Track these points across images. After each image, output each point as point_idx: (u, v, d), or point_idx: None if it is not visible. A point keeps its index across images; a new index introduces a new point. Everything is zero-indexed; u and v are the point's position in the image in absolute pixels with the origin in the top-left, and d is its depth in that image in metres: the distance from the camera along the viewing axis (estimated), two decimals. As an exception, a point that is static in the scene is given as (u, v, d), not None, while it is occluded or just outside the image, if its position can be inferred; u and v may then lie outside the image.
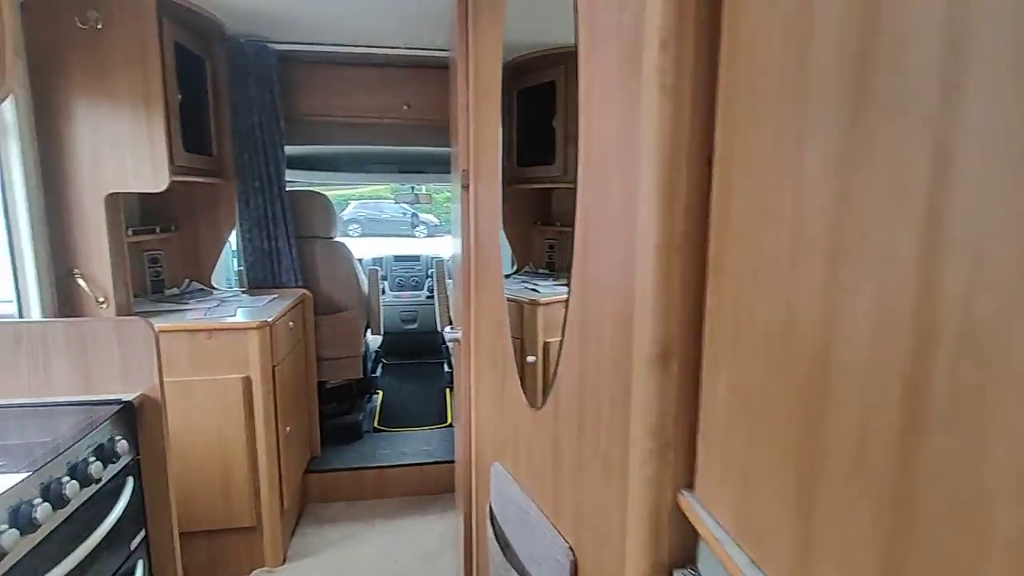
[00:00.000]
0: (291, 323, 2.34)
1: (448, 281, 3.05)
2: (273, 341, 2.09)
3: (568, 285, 0.84)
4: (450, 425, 3.13)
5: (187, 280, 2.52)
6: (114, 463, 1.10)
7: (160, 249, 2.43)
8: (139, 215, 2.42)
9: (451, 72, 2.11)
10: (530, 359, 1.27)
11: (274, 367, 2.11)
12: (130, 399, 1.20)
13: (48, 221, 1.83)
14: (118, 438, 1.11)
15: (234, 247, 3.04)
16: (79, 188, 1.85)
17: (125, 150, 1.87)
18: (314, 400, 2.68)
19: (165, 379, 1.99)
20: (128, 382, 1.23)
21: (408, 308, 4.21)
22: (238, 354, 2.01)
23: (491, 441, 1.41)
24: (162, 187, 1.90)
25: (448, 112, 2.59)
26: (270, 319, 2.05)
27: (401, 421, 3.19)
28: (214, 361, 2.00)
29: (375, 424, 3.14)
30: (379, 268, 3.07)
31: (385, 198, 17.13)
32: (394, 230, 15.69)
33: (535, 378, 1.26)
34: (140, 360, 1.23)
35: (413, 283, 4.35)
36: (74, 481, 0.95)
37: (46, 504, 0.88)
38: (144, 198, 2.42)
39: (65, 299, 1.89)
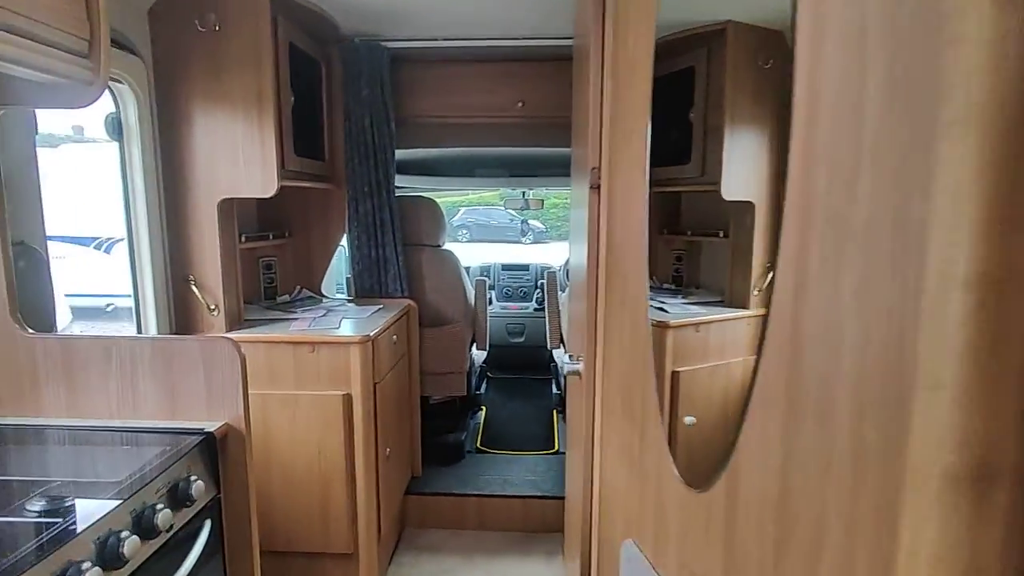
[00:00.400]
0: (395, 336, 2.20)
1: (561, 294, 2.78)
2: (375, 356, 1.95)
3: (764, 327, 0.55)
4: (557, 452, 2.85)
5: (298, 287, 2.48)
6: (188, 507, 0.96)
7: (274, 256, 2.42)
8: (256, 222, 2.42)
9: (577, 61, 1.85)
10: (688, 420, 0.96)
11: (376, 384, 1.97)
12: (212, 430, 1.06)
13: (166, 226, 1.83)
14: (194, 479, 0.96)
15: (345, 254, 3.01)
16: (195, 193, 1.83)
17: (238, 154, 1.82)
18: (416, 418, 2.53)
19: (270, 391, 1.94)
20: (212, 409, 1.10)
21: (515, 321, 4.00)
22: (339, 369, 1.89)
23: (621, 510, 1.11)
24: (271, 192, 1.83)
25: (567, 108, 2.34)
26: (372, 333, 1.91)
27: (505, 443, 2.96)
28: (316, 375, 1.90)
29: (478, 444, 2.95)
30: (487, 278, 2.87)
31: (493, 204, 17.41)
32: (502, 236, 15.83)
33: (688, 440, 0.95)
34: (225, 385, 1.10)
35: (521, 294, 4.14)
36: (134, 537, 0.80)
37: (96, 569, 0.73)
38: (261, 204, 2.42)
39: (180, 305, 1.88)
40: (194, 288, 1.86)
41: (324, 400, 1.89)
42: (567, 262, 4.16)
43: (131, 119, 1.67)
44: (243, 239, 2.06)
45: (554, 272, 2.88)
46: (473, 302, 2.76)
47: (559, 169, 3.29)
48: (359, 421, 1.92)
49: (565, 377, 2.65)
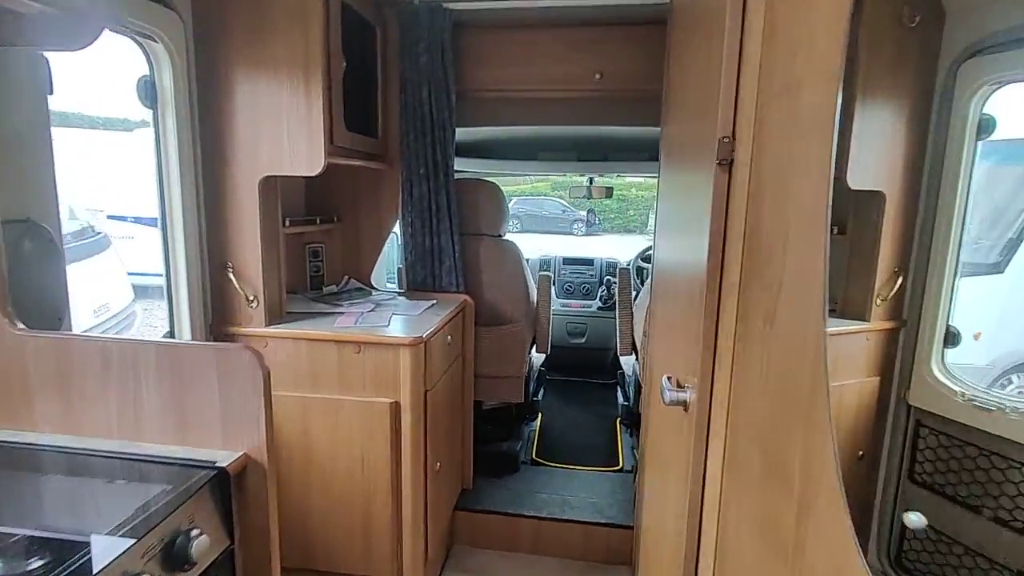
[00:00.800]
0: (449, 337, 1.95)
1: (636, 295, 2.47)
2: (428, 360, 1.71)
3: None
4: (622, 470, 2.55)
5: (346, 277, 2.28)
6: (186, 572, 0.73)
7: (321, 242, 2.21)
8: (304, 204, 2.23)
9: (678, 20, 1.53)
10: (913, 519, 0.65)
11: (426, 391, 1.73)
12: (226, 463, 0.84)
13: (203, 206, 1.64)
14: (196, 533, 0.74)
15: (398, 242, 2.79)
16: (234, 170, 1.63)
17: (282, 126, 1.60)
18: (469, 426, 2.29)
19: (311, 393, 1.74)
20: (228, 435, 0.88)
21: (577, 320, 3.68)
22: (387, 373, 1.66)
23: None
24: (317, 170, 1.61)
25: (654, 79, 2.01)
26: (425, 334, 1.67)
27: (564, 455, 2.69)
28: (362, 379, 1.67)
29: (533, 455, 2.68)
30: (549, 273, 2.57)
31: (545, 194, 17.06)
32: (553, 226, 15.49)
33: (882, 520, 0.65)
34: (245, 405, 0.87)
35: (584, 291, 3.81)
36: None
37: None
38: (309, 185, 2.22)
39: (217, 295, 1.70)
40: (231, 276, 1.66)
41: (369, 408, 1.67)
42: (638, 257, 3.79)
43: (166, 82, 1.48)
44: (287, 223, 1.85)
45: (626, 269, 2.55)
46: (535, 300, 2.49)
47: (634, 153, 2.95)
48: (407, 432, 1.69)
49: (638, 389, 2.34)
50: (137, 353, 0.89)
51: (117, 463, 0.85)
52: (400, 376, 1.65)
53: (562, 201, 16.49)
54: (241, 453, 0.87)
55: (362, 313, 1.88)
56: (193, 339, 1.60)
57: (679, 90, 1.41)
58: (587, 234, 15.86)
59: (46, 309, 1.09)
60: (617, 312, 2.46)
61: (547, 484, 2.40)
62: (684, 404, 1.08)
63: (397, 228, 2.26)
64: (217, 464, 0.83)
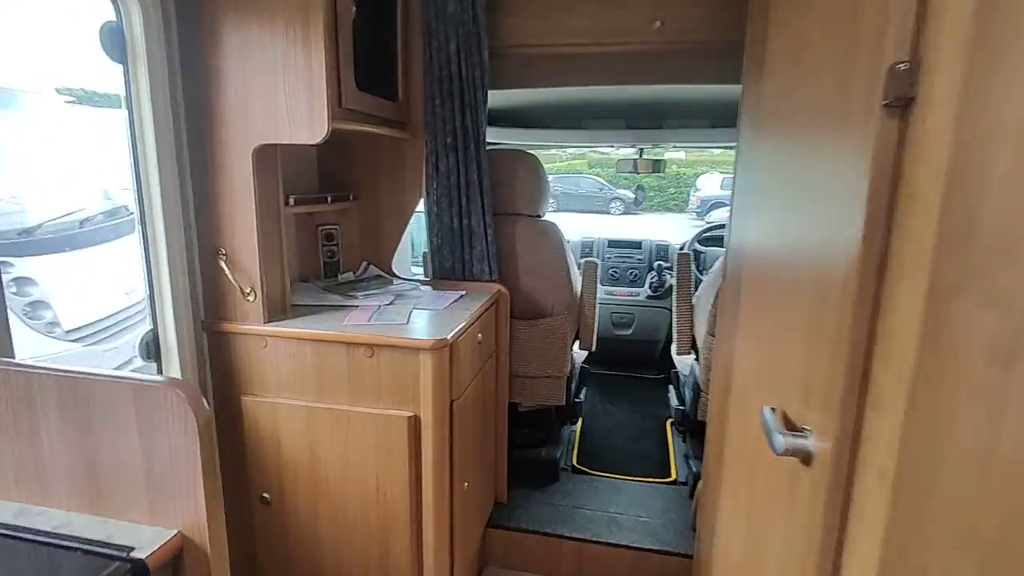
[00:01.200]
0: (480, 335, 1.67)
1: (701, 283, 2.12)
2: (454, 366, 1.44)
3: None
4: (675, 482, 2.25)
5: (364, 263, 2.01)
6: None
7: (336, 224, 1.95)
8: (316, 181, 1.96)
9: None
10: None
11: (452, 402, 1.46)
12: (148, 551, 0.58)
13: (189, 182, 1.39)
14: None
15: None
16: (223, 138, 1.37)
17: (278, 85, 1.32)
18: (503, 433, 2.02)
19: (317, 403, 1.44)
20: (156, 504, 0.62)
21: (623, 309, 3.33)
22: (405, 382, 1.40)
23: None
24: (320, 137, 1.33)
25: (728, 27, 1.65)
26: (450, 335, 1.39)
27: (608, 462, 2.40)
28: (375, 387, 1.41)
29: (574, 461, 2.40)
30: (595, 259, 2.24)
31: (581, 172, 16.51)
32: (589, 205, 14.98)
33: None
34: (175, 463, 0.61)
35: (631, 277, 3.45)
36: None
37: None
38: (322, 159, 1.95)
39: (210, 285, 1.46)
40: (224, 266, 1.42)
41: (384, 421, 1.41)
42: (695, 240, 3.38)
43: (136, 30, 1.22)
44: (291, 202, 1.59)
45: (686, 254, 2.20)
46: (579, 289, 2.17)
47: (694, 120, 2.57)
48: (429, 450, 1.42)
49: (696, 393, 2.02)
50: (31, 385, 0.63)
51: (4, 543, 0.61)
52: (420, 386, 1.39)
53: (599, 179, 15.93)
54: (173, 533, 0.61)
55: (379, 307, 1.61)
56: (179, 339, 1.36)
57: (786, 34, 1.06)
58: (625, 213, 15.29)
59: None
60: (674, 304, 2.12)
61: (591, 498, 2.12)
62: (808, 455, 0.77)
63: (422, 207, 1.98)
64: (133, 553, 0.57)
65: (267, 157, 1.42)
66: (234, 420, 1.50)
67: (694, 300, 2.12)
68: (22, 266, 3.14)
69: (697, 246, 3.28)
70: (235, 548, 1.64)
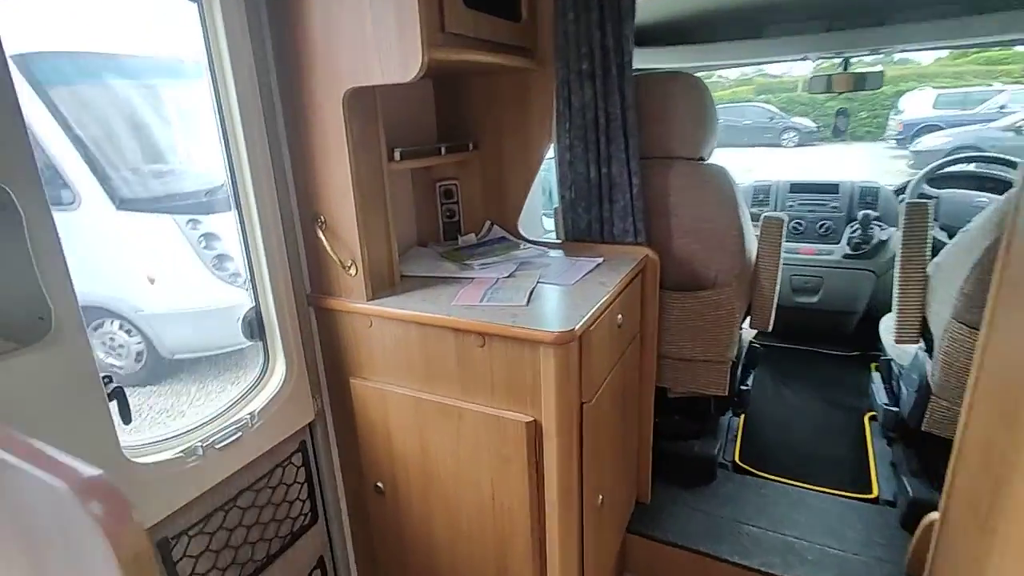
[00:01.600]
0: (620, 316, 1.33)
1: (946, 247, 1.50)
2: (584, 363, 1.13)
3: None
4: (878, 500, 1.74)
5: (488, 223, 1.75)
6: None
7: (455, 179, 1.70)
8: (436, 132, 1.71)
9: None
10: None
11: (583, 404, 1.16)
12: None
13: (283, 137, 1.21)
14: None
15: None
16: (310, 84, 1.15)
17: (364, 9, 1.06)
18: (648, 424, 1.69)
19: (425, 393, 1.18)
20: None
21: (809, 271, 2.67)
22: (523, 380, 1.12)
23: None
24: (413, 73, 1.04)
25: None
26: (578, 325, 1.07)
27: (782, 462, 1.95)
28: (489, 381, 1.17)
29: (736, 457, 1.99)
30: (780, 214, 1.67)
31: (748, 100, 14.52)
32: (759, 138, 13.18)
33: None
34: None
35: (822, 230, 2.73)
36: None
37: None
38: (441, 106, 1.69)
39: (313, 256, 1.30)
40: (321, 235, 1.24)
41: (499, 424, 1.16)
42: (922, 181, 2.53)
43: (204, -39, 1.02)
44: (396, 156, 1.35)
45: (919, 203, 1.52)
46: (752, 254, 1.69)
47: (937, 8, 1.80)
48: (552, 462, 1.15)
49: (923, 395, 1.47)
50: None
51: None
52: (541, 385, 1.10)
53: (770, 107, 13.87)
54: None
55: (496, 280, 1.34)
56: (279, 315, 1.23)
57: None
58: (800, 145, 13.18)
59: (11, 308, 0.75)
60: (897, 274, 1.53)
61: (759, 510, 1.71)
62: None
63: (552, 154, 1.64)
64: None
65: (363, 104, 1.18)
66: (345, 403, 1.37)
67: (930, 269, 1.51)
68: (208, 223, 3.45)
69: (927, 188, 2.45)
70: (357, 538, 1.57)
